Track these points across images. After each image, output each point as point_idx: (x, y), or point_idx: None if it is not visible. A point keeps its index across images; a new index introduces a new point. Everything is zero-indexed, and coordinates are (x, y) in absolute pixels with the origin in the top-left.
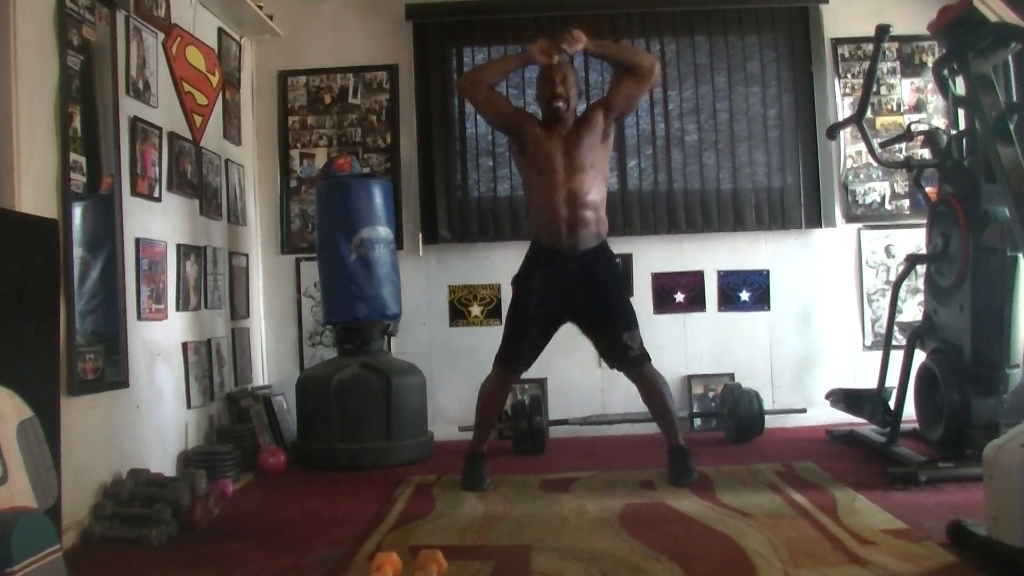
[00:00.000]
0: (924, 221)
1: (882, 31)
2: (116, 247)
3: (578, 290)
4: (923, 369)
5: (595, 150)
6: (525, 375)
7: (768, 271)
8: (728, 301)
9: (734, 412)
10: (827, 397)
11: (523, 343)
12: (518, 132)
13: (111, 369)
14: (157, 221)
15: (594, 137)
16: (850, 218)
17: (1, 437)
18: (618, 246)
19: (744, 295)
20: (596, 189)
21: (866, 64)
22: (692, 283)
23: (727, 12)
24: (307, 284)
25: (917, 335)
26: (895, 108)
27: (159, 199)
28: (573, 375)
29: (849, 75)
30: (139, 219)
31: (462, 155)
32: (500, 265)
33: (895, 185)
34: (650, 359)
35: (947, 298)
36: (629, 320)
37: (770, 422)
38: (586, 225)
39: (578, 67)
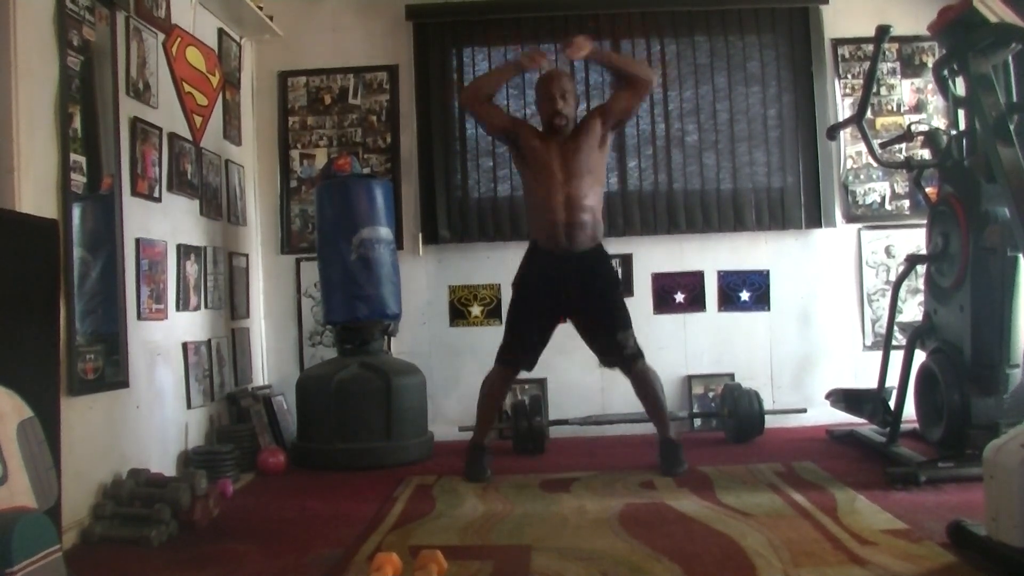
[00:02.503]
0: (924, 221)
1: (882, 31)
2: (116, 247)
3: (575, 290)
4: (923, 369)
5: (592, 156)
6: (525, 375)
7: (768, 271)
8: (728, 301)
9: (734, 412)
10: (827, 397)
11: (523, 342)
12: (515, 142)
13: (111, 369)
14: (157, 221)
15: (592, 143)
16: (850, 218)
17: (1, 437)
18: (618, 246)
19: (744, 295)
20: (593, 194)
21: (866, 64)
22: (692, 283)
23: (727, 12)
24: (307, 284)
25: (917, 335)
26: (895, 108)
27: (159, 199)
28: (573, 375)
29: (849, 75)
30: (139, 219)
31: (462, 155)
32: (500, 265)
33: (895, 185)
34: (643, 356)
35: (947, 298)
36: (624, 320)
37: (770, 422)
38: (583, 228)
39: (578, 67)
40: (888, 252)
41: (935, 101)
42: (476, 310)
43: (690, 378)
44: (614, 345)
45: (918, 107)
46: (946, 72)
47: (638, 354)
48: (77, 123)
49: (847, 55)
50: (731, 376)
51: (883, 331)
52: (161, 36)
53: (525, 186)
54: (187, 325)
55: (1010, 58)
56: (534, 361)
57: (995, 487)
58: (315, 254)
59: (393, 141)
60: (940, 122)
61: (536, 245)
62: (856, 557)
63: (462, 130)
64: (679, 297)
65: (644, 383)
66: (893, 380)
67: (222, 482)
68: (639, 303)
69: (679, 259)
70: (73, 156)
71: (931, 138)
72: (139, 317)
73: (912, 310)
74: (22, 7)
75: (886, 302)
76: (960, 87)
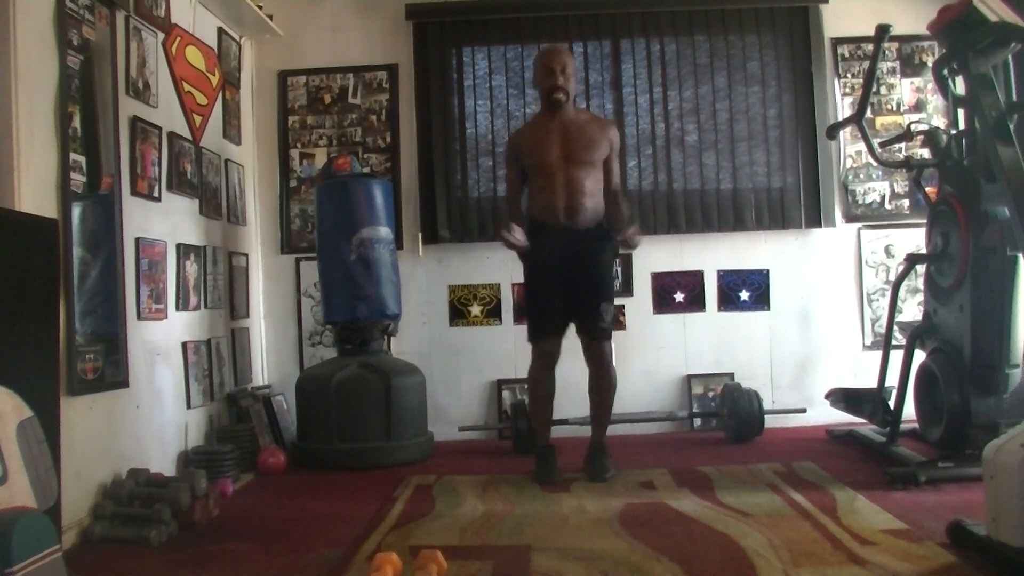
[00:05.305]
0: (924, 221)
1: (882, 31)
2: (116, 247)
3: (573, 257)
4: (923, 369)
5: (595, 149)
6: (523, 375)
7: (768, 271)
8: (728, 301)
9: (734, 412)
10: (827, 397)
11: (545, 308)
12: (522, 160)
13: (111, 369)
14: (157, 221)
15: (602, 144)
16: (850, 218)
17: (1, 437)
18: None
19: (744, 295)
20: (593, 177)
21: (866, 64)
22: (692, 283)
23: (727, 12)
24: (307, 284)
25: (917, 335)
26: (895, 108)
27: (159, 199)
28: (573, 375)
29: (849, 75)
30: (139, 219)
31: (462, 155)
32: (500, 265)
33: (895, 185)
34: (611, 339)
35: (947, 298)
36: (609, 293)
37: (770, 422)
38: (583, 209)
39: (578, 66)
40: (888, 252)
41: (935, 100)
42: (476, 310)
43: (690, 378)
44: (594, 314)
45: (918, 106)
46: (946, 71)
47: (609, 333)
48: (77, 123)
49: (847, 54)
50: (731, 376)
51: (883, 331)
52: (161, 35)
53: (528, 175)
54: (187, 325)
55: (1010, 58)
56: (563, 326)
57: (995, 487)
58: (315, 254)
59: (393, 141)
60: (940, 121)
61: (534, 219)
62: (856, 557)
63: (462, 130)
64: (679, 297)
65: (603, 371)
66: (893, 380)
67: (222, 482)
68: (639, 303)
69: (679, 259)
70: (73, 156)
71: (931, 137)
72: (139, 317)
73: (912, 310)
74: (22, 7)
75: (886, 302)
76: (960, 86)
